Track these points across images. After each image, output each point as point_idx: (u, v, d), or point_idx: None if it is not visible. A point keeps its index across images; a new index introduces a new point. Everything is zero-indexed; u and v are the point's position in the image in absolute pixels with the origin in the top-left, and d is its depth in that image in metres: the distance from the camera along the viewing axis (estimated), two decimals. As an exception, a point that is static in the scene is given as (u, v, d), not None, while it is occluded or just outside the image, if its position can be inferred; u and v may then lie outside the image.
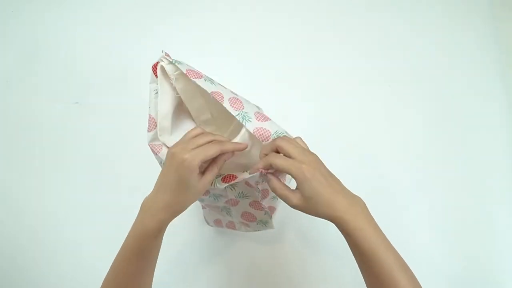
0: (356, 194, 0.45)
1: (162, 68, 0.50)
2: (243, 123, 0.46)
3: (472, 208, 0.77)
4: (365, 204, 0.44)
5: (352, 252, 0.44)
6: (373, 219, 0.43)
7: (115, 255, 0.47)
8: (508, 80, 0.84)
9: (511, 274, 0.73)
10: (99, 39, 0.96)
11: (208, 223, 0.72)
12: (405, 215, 0.77)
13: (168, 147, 0.52)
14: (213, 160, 0.46)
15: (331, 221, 0.43)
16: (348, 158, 0.80)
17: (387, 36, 0.90)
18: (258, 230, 0.67)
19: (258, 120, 0.47)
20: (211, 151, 0.43)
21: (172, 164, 0.43)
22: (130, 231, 0.46)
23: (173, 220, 0.46)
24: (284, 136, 0.47)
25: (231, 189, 0.55)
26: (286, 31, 0.92)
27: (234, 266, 0.77)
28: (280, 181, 0.46)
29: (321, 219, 0.44)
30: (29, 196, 0.85)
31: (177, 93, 0.52)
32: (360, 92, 0.86)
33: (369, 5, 0.93)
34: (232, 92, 0.52)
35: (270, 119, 0.48)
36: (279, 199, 0.59)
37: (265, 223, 0.64)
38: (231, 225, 0.68)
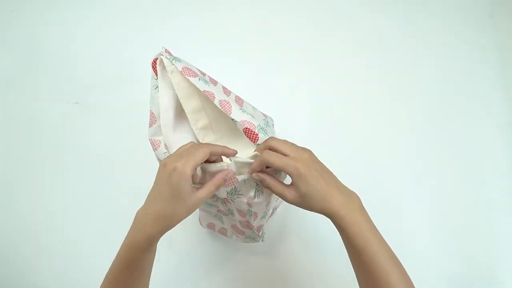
0: (352, 190, 0.46)
1: (162, 63, 0.50)
2: (235, 122, 0.47)
3: (472, 208, 0.77)
4: (360, 200, 0.45)
5: (345, 246, 0.45)
6: (367, 214, 0.44)
7: (114, 256, 0.47)
8: (508, 80, 0.84)
9: (511, 274, 0.73)
10: (99, 39, 0.96)
11: (201, 225, 0.72)
12: (405, 215, 0.77)
13: (166, 145, 0.52)
14: (211, 179, 0.46)
15: (326, 216, 0.44)
16: (348, 157, 0.80)
17: (387, 36, 0.90)
18: (246, 242, 0.67)
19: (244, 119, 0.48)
20: (200, 154, 0.43)
21: (164, 173, 0.42)
22: (123, 241, 0.45)
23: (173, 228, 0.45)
24: (273, 136, 0.47)
25: (222, 203, 0.55)
26: (286, 31, 0.92)
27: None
28: (274, 177, 0.47)
29: (320, 220, 0.44)
30: (29, 196, 0.85)
31: (173, 89, 0.52)
32: (360, 92, 0.86)
33: (369, 5, 0.93)
34: (224, 93, 0.52)
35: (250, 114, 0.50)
36: (267, 216, 0.60)
37: (253, 238, 0.64)
38: (223, 231, 0.69)
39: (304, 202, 0.44)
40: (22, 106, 0.92)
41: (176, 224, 0.44)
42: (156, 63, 0.51)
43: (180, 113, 0.55)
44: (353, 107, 0.85)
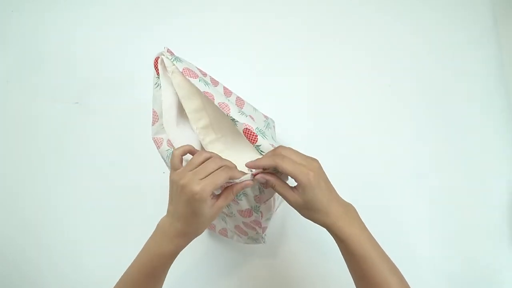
0: (348, 202, 0.47)
1: (162, 62, 0.50)
2: (235, 123, 0.48)
3: (472, 208, 0.77)
4: (357, 212, 0.47)
5: (344, 257, 0.46)
6: (365, 225, 0.46)
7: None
8: (508, 80, 0.84)
9: (511, 274, 0.73)
10: (99, 39, 0.96)
11: None
12: (405, 215, 0.77)
13: (169, 142, 0.52)
14: (229, 187, 0.47)
15: (324, 227, 0.46)
16: (348, 157, 0.80)
17: (387, 36, 0.90)
18: (248, 244, 0.67)
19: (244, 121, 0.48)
20: (220, 179, 0.43)
21: (182, 197, 0.43)
22: (143, 249, 0.48)
23: None
24: (281, 145, 0.48)
25: (226, 206, 0.55)
26: (286, 31, 0.92)
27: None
28: (280, 178, 0.47)
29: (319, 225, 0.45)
30: (29, 196, 0.85)
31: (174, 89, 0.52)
32: (360, 92, 0.86)
33: (369, 5, 0.93)
34: (225, 94, 0.52)
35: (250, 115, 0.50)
36: (270, 219, 0.60)
37: (255, 239, 0.64)
38: (223, 232, 0.68)
39: (305, 208, 0.45)
40: (22, 106, 0.92)
41: (202, 232, 0.48)
42: (157, 62, 0.51)
43: (182, 111, 0.55)
44: (353, 106, 0.85)
